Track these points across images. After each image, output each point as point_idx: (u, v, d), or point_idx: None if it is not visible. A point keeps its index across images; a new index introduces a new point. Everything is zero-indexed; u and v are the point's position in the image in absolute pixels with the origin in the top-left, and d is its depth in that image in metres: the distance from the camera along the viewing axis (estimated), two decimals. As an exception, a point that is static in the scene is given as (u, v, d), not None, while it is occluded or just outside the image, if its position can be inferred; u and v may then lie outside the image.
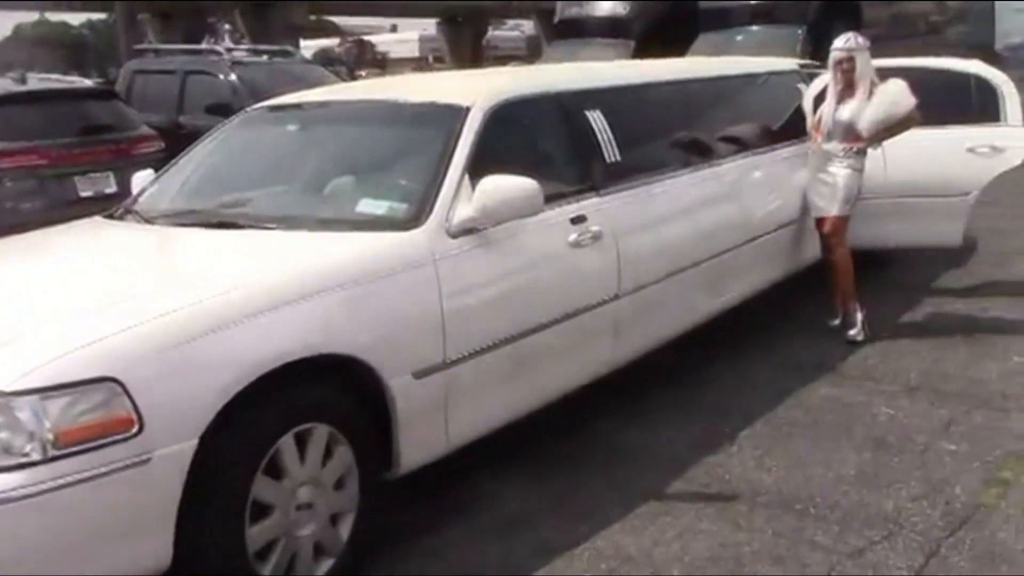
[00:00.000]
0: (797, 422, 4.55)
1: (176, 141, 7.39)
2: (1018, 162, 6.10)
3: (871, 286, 6.22)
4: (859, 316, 5.73)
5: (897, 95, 5.58)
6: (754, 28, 12.40)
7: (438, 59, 57.73)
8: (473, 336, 3.61)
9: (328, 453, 3.22)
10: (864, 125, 5.60)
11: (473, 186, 3.68)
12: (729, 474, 4.04)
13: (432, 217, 3.60)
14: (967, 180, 6.16)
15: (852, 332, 5.70)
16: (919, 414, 4.59)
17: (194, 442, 2.74)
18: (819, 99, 5.96)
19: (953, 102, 6.26)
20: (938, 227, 6.25)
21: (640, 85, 5.31)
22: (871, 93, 5.62)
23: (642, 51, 12.92)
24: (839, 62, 5.68)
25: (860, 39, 5.73)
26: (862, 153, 5.71)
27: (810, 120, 5.97)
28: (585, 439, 4.43)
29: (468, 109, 3.97)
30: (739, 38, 12.30)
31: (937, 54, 9.75)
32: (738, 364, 5.33)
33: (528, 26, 62.83)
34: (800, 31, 11.84)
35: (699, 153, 5.36)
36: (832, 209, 5.71)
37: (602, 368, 4.45)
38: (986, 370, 5.16)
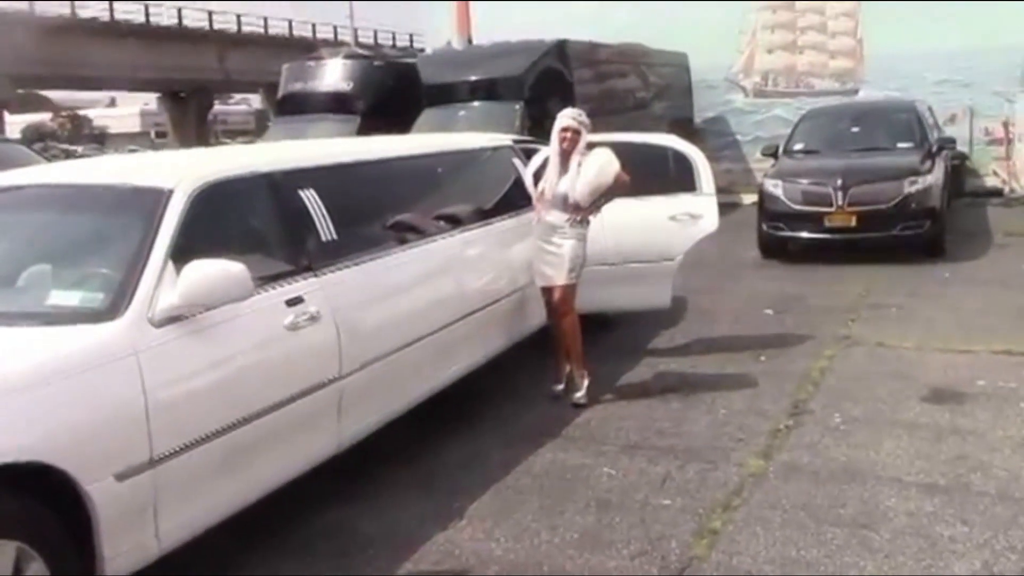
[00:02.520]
0: (524, 490, 4.64)
1: None
2: (714, 228, 6.63)
3: (593, 350, 6.49)
4: (585, 381, 5.97)
5: (604, 162, 5.91)
6: (475, 104, 12.83)
7: (161, 134, 55.78)
8: (183, 430, 3.44)
9: (18, 570, 2.93)
10: (579, 195, 5.90)
11: (178, 272, 3.54)
12: (459, 549, 4.05)
13: (132, 307, 3.42)
14: (671, 246, 6.63)
15: (578, 396, 5.92)
16: (637, 472, 4.81)
17: None
18: (539, 172, 6.21)
19: (656, 174, 6.72)
20: (649, 291, 6.68)
21: (357, 163, 5.33)
22: (582, 167, 5.92)
23: (367, 127, 13.03)
24: (565, 129, 5.94)
25: (586, 118, 6.06)
26: (585, 223, 6.00)
27: (533, 193, 6.22)
28: (313, 528, 4.30)
29: (171, 192, 3.83)
30: (462, 113, 12.67)
31: (644, 128, 10.50)
32: (467, 437, 5.39)
33: (256, 100, 62.06)
34: (518, 106, 12.37)
35: (421, 228, 5.44)
36: (559, 278, 5.94)
37: (329, 450, 4.37)
38: (697, 424, 5.50)
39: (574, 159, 5.92)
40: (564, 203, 5.92)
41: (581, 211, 5.93)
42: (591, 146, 6.02)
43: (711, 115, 17.63)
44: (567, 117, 6.00)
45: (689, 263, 6.97)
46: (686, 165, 6.72)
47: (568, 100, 12.27)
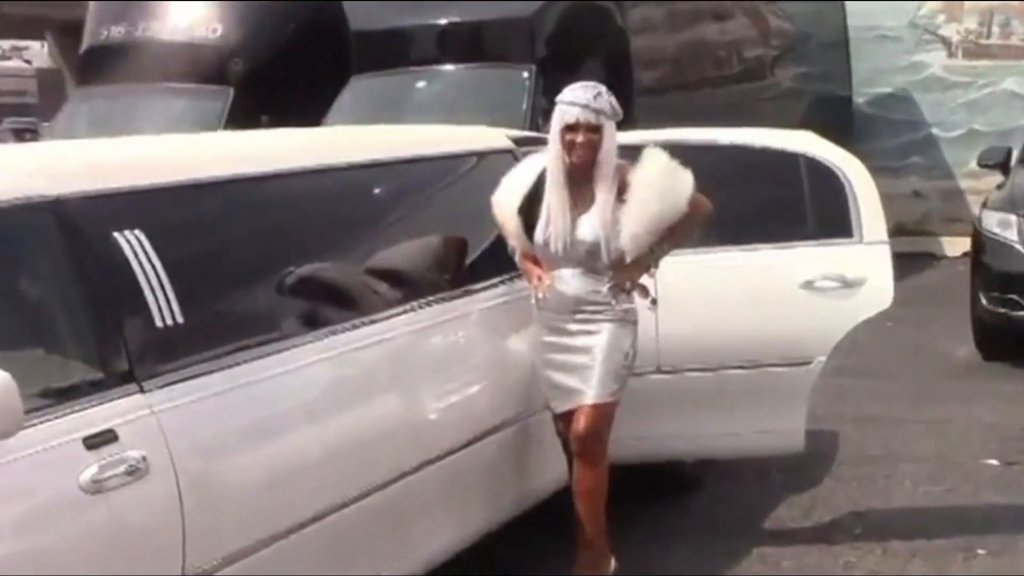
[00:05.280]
0: None
1: None
2: (887, 302, 6.70)
3: (654, 526, 6.52)
4: (612, 563, 6.05)
5: (667, 177, 5.98)
6: (447, 70, 12.95)
7: None
8: None
9: None
10: (627, 242, 5.95)
11: None
12: None
13: None
14: (805, 338, 6.73)
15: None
16: None
17: None
18: (533, 203, 6.12)
19: (776, 205, 6.90)
20: (763, 420, 6.75)
21: (224, 181, 5.37)
22: (626, 190, 5.96)
23: (247, 108, 13.11)
24: (573, 128, 5.92)
25: (612, 99, 6.03)
26: (640, 291, 6.07)
27: (517, 239, 6.17)
28: None
29: None
30: (421, 85, 12.83)
31: (757, 115, 10.57)
32: None
33: (39, 51, 62.55)
34: (527, 74, 12.41)
35: (343, 302, 5.54)
36: (590, 393, 5.97)
37: None
38: None
39: (601, 178, 5.95)
40: (593, 259, 5.97)
41: (628, 272, 6.01)
42: (628, 153, 6.11)
43: (884, 91, 17.80)
44: (572, 105, 5.96)
45: (841, 368, 6.98)
46: (833, 187, 6.83)
47: (619, 65, 12.42)
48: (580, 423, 6.03)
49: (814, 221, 6.79)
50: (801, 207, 6.83)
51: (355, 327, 5.44)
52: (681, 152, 6.18)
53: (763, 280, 6.68)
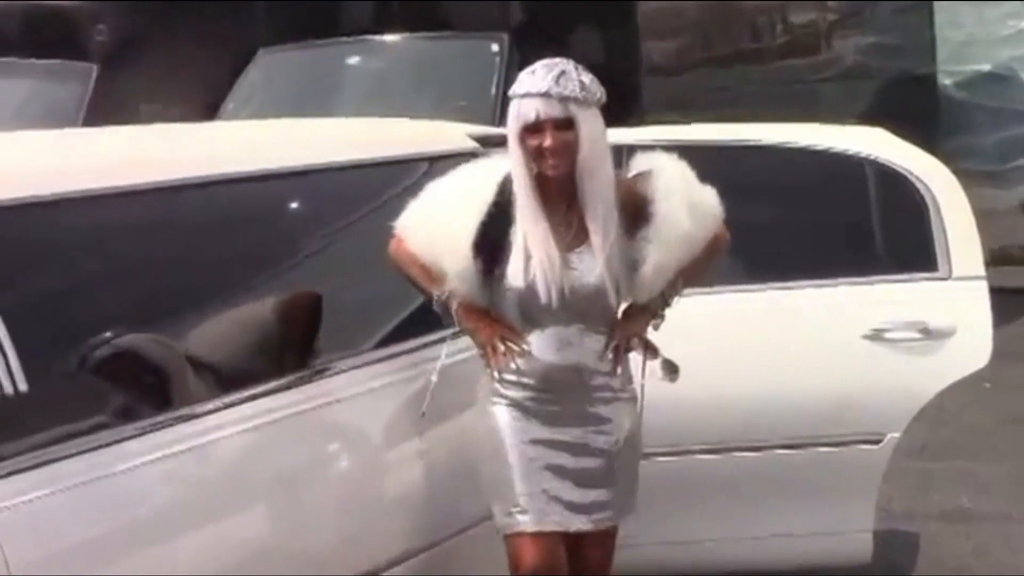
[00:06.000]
0: None
1: None
2: (984, 358, 6.74)
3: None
4: None
5: (688, 184, 5.85)
6: (389, 39, 12.97)
7: None
8: None
9: None
10: (648, 276, 5.79)
11: None
12: None
13: None
14: (874, 407, 6.74)
15: None
16: None
17: None
18: (494, 237, 5.82)
19: (831, 228, 6.95)
20: (814, 519, 6.77)
21: (86, 198, 5.31)
22: (648, 204, 5.80)
23: (120, 90, 13.14)
24: (533, 129, 5.60)
25: (584, 75, 5.69)
26: (647, 351, 5.96)
27: (466, 288, 5.81)
28: None
29: None
30: (353, 61, 12.83)
31: (806, 105, 10.62)
32: None
33: None
34: (497, 47, 12.38)
35: (219, 369, 5.52)
36: (606, 511, 5.82)
37: None
38: None
39: (591, 193, 5.71)
40: (594, 310, 5.79)
41: (636, 323, 5.91)
42: (620, 155, 6.06)
43: (980, 69, 17.86)
44: (527, 96, 5.61)
45: (923, 447, 6.97)
46: (911, 203, 6.87)
47: (622, 36, 12.49)
48: (591, 553, 5.90)
49: (885, 250, 6.81)
50: (867, 231, 6.85)
51: (247, 400, 5.42)
52: (702, 156, 6.13)
53: (816, 329, 6.70)
